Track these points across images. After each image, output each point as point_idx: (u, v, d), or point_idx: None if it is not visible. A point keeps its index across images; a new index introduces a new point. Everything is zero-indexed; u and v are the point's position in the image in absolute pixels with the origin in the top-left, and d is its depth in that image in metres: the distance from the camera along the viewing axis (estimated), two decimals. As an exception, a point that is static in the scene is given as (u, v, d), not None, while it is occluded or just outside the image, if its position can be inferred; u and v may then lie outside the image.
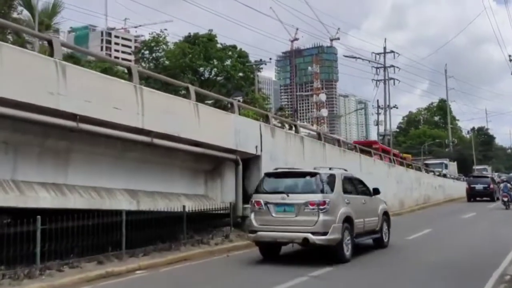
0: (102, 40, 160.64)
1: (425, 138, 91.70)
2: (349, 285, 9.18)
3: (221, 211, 13.90)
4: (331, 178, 11.90)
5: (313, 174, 11.77)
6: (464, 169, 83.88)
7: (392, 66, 69.06)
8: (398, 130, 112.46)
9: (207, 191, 14.20)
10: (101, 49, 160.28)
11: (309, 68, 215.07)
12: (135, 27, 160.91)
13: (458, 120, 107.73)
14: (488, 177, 39.79)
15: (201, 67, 52.30)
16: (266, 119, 16.78)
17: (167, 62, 54.21)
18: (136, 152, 11.63)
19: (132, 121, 10.82)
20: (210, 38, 53.44)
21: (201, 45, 52.13)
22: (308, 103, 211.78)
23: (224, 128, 13.97)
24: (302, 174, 12.18)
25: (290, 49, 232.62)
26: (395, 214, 24.42)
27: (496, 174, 67.13)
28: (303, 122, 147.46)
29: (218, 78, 55.70)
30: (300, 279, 9.07)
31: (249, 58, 56.31)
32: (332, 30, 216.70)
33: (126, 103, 10.69)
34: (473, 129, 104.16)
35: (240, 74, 56.63)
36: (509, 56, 47.03)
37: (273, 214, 11.01)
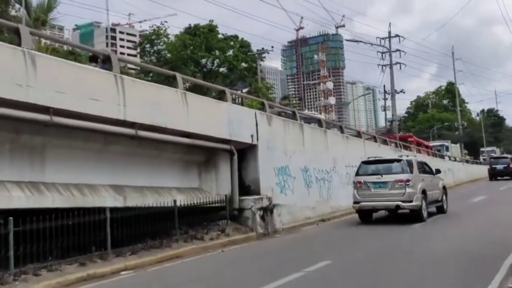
0: (107, 36, 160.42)
1: (434, 122, 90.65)
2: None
3: (216, 204, 13.25)
4: (410, 163, 16.24)
5: (398, 160, 16.34)
6: (475, 152, 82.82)
7: (398, 50, 67.85)
8: (406, 115, 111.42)
9: (201, 183, 13.55)
10: (106, 45, 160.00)
11: (315, 56, 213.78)
12: (140, 22, 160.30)
13: (467, 102, 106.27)
14: (507, 157, 43.19)
15: (203, 58, 51.55)
16: (262, 107, 16.08)
17: (168, 55, 53.63)
18: (121, 145, 10.99)
19: (113, 113, 10.17)
20: (211, 28, 52.61)
21: (202, 36, 51.36)
22: (315, 91, 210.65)
23: (216, 117, 13.29)
24: (390, 161, 16.71)
25: (295, 38, 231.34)
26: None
27: None
28: (311, 111, 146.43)
29: (221, 69, 54.98)
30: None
31: (251, 48, 55.53)
32: (337, 17, 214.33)
33: (106, 94, 10.04)
34: (482, 111, 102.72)
35: (244, 64, 55.86)
36: None
37: (372, 190, 15.55)
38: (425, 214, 15.45)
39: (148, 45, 55.78)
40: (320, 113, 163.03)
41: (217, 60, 53.23)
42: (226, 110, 13.66)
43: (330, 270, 8.86)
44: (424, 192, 15.55)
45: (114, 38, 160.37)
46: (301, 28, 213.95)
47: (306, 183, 17.32)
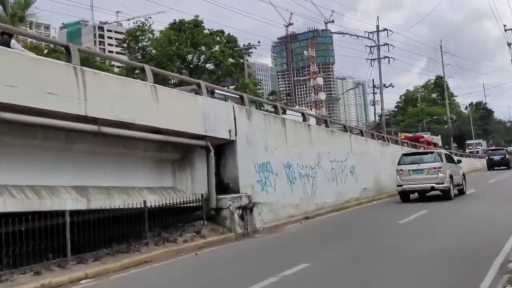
0: (94, 35, 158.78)
1: (423, 116, 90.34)
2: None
3: (192, 204, 12.51)
4: (440, 154, 21.31)
5: (431, 152, 22.07)
6: (463, 144, 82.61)
7: (386, 44, 67.61)
8: (396, 109, 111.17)
9: (176, 182, 12.80)
10: (94, 44, 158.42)
11: (305, 52, 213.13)
12: (128, 20, 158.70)
13: (456, 96, 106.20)
14: (503, 149, 49.94)
15: (188, 54, 50.72)
16: (241, 101, 15.36)
17: (154, 51, 52.70)
18: (85, 143, 10.21)
19: (72, 108, 9.39)
20: (197, 24, 51.78)
21: (187, 32, 50.52)
22: (305, 87, 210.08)
23: (190, 112, 12.54)
24: (425, 153, 22.55)
25: (285, 34, 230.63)
26: (390, 195, 23.19)
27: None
28: (302, 107, 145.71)
29: (207, 65, 54.18)
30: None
31: (238, 43, 54.72)
32: (327, 13, 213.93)
33: (63, 87, 9.25)
34: (471, 104, 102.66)
35: (231, 60, 55.06)
36: (504, 26, 45.47)
37: (411, 175, 20.01)
38: (452, 194, 19.94)
39: (133, 42, 54.86)
40: (311, 109, 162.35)
41: (203, 56, 52.45)
42: (201, 104, 12.91)
43: (308, 274, 8.17)
44: (451, 177, 20.05)
45: (102, 36, 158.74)
46: (291, 24, 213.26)
47: (289, 179, 16.62)
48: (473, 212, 15.92)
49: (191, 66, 53.94)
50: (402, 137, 63.19)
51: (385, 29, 66.64)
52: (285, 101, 74.92)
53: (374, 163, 24.01)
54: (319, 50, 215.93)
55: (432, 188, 19.65)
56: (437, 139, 60.48)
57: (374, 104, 74.80)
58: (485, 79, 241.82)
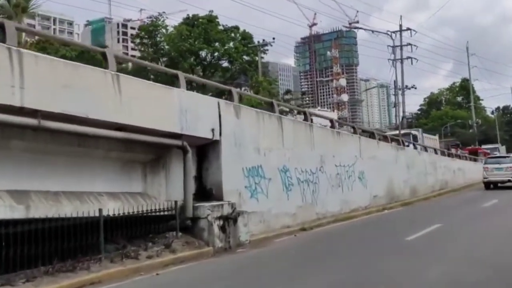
0: (118, 32, 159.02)
1: (447, 119, 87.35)
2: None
3: (164, 213, 10.87)
4: None
5: (508, 156, 31.31)
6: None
7: (409, 44, 65.26)
8: (419, 112, 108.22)
9: (146, 187, 11.16)
10: (118, 41, 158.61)
11: (328, 52, 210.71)
12: (150, 17, 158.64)
13: (482, 99, 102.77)
14: None
15: (200, 50, 49.20)
16: (229, 96, 13.66)
17: (167, 47, 51.36)
18: (25, 140, 8.64)
19: (5, 97, 7.83)
20: (211, 19, 50.25)
21: (200, 27, 49.05)
22: (328, 88, 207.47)
23: (163, 106, 10.90)
24: (504, 157, 31.82)
25: (309, 35, 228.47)
26: (404, 204, 21.28)
27: None
28: (324, 108, 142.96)
29: (220, 62, 52.64)
30: None
31: (253, 40, 53.01)
32: (352, 13, 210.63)
33: (-7, 72, 7.70)
34: (497, 108, 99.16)
35: (246, 57, 53.42)
36: None
37: (494, 172, 28.66)
38: None
39: (146, 37, 53.64)
40: (333, 110, 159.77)
41: (217, 52, 50.91)
42: (177, 97, 11.24)
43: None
44: None
45: (125, 33, 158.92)
46: (315, 24, 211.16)
47: (285, 185, 14.88)
48: (499, 225, 14.01)
49: (205, 62, 52.50)
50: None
51: (408, 29, 64.37)
52: (301, 101, 72.83)
53: (387, 168, 22.08)
54: (342, 51, 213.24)
55: (509, 181, 27.89)
56: (434, 139, 56.38)
57: (395, 106, 72.42)
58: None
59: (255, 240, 12.60)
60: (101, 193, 10.03)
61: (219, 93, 33.30)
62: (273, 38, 51.31)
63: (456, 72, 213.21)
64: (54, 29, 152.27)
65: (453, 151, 44.43)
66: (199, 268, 9.84)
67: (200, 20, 49.62)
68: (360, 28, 55.57)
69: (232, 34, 52.50)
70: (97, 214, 9.30)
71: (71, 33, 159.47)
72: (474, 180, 34.04)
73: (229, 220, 11.83)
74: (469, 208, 19.61)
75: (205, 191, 12.45)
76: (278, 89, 64.36)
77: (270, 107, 15.41)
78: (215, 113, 12.36)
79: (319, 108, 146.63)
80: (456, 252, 10.08)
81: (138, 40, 54.20)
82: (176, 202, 11.09)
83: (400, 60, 62.32)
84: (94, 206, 9.52)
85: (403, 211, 19.80)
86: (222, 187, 12.28)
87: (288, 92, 61.95)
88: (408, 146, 27.15)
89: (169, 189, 11.52)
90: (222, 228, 11.59)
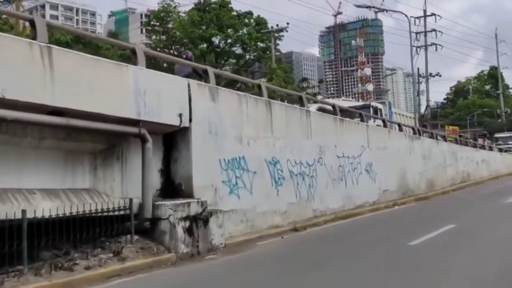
0: (141, 22, 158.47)
1: (474, 108, 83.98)
2: None
3: (116, 212, 9.19)
4: None
5: None
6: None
7: (434, 30, 62.47)
8: (445, 101, 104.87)
9: (96, 182, 9.46)
10: (141, 32, 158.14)
11: (353, 42, 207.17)
12: (174, 7, 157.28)
13: (511, 88, 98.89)
14: None
15: (212, 36, 47.43)
16: (204, 76, 11.85)
17: (178, 34, 49.75)
18: None
19: None
20: (223, 4, 48.44)
21: (212, 13, 47.27)
22: (353, 78, 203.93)
23: (114, 87, 9.17)
24: None
25: (333, 24, 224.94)
26: (418, 199, 19.25)
27: None
28: (349, 98, 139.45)
29: (234, 49, 50.83)
30: None
31: (268, 26, 51.00)
32: (377, 2, 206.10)
33: None
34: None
35: (261, 44, 51.53)
36: None
37: None
38: None
39: (158, 24, 52.20)
40: (358, 100, 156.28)
41: (229, 39, 49.12)
42: (132, 76, 9.49)
43: None
44: None
45: (149, 24, 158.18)
46: (340, 13, 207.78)
47: (274, 179, 13.05)
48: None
49: (218, 49, 50.76)
50: (448, 131, 58.01)
51: (432, 14, 61.51)
52: (317, 89, 70.51)
53: (399, 159, 20.04)
54: (368, 40, 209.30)
55: None
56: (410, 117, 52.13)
57: (418, 95, 69.71)
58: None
59: (233, 243, 10.86)
60: (33, 190, 8.36)
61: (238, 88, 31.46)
62: (287, 23, 48.82)
63: (487, 61, 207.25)
64: (77, 19, 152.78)
65: (479, 141, 41.82)
66: (147, 281, 8.13)
67: (212, 5, 47.83)
68: (372, 7, 51.75)
69: (246, 20, 50.65)
70: (21, 216, 7.66)
71: (93, 23, 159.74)
72: (499, 172, 31.65)
73: (198, 221, 10.09)
74: (490, 204, 17.51)
75: (173, 187, 10.74)
76: (294, 76, 62.19)
77: (258, 91, 13.55)
78: (184, 95, 10.59)
79: (343, 98, 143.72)
80: (464, 269, 8.10)
81: (149, 28, 52.71)
82: (131, 200, 9.39)
83: (424, 47, 59.83)
84: (21, 206, 7.87)
85: (416, 208, 17.78)
86: (192, 182, 10.54)
87: (304, 80, 59.79)
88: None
89: (125, 185, 9.82)
90: (189, 231, 9.85)
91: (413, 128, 23.37)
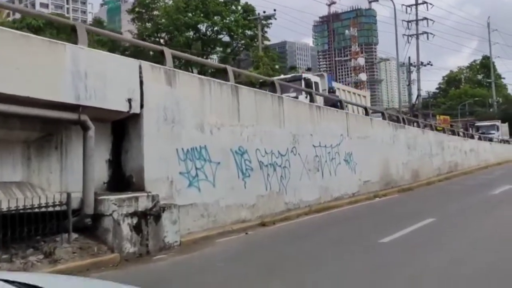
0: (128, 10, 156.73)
1: (466, 98, 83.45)
2: None
3: (51, 208, 8.20)
4: None
5: None
6: (511, 130, 75.75)
7: (425, 18, 61.65)
8: (437, 90, 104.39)
9: (30, 175, 8.46)
10: (133, 21, 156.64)
11: (346, 31, 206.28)
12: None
13: (503, 78, 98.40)
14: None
15: (197, 23, 46.26)
16: (162, 57, 10.82)
17: (163, 21, 48.53)
18: None
19: None
20: (210, -10, 47.21)
21: (197, -1, 46.08)
22: (347, 68, 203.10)
23: (47, 68, 8.15)
24: None
25: (327, 13, 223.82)
26: (401, 190, 18.41)
27: None
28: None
29: (220, 36, 49.69)
30: None
31: (256, 13, 49.85)
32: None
33: None
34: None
35: (249, 32, 50.45)
36: None
37: None
38: None
39: (143, 11, 50.93)
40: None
41: (216, 26, 47.96)
42: (70, 56, 8.45)
43: None
44: None
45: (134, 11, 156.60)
46: (333, 3, 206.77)
47: (241, 170, 12.10)
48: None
49: (204, 37, 49.60)
50: (439, 120, 57.10)
51: (424, 2, 60.60)
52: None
53: (382, 149, 19.14)
54: (362, 30, 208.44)
55: None
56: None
57: (409, 84, 68.99)
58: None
59: (190, 241, 9.93)
60: (-50, 183, 7.39)
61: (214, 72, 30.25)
62: (274, 10, 47.71)
63: (481, 51, 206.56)
64: (68, 8, 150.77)
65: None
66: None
67: (198, -9, 46.62)
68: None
69: (233, 7, 49.50)
70: None
71: (84, 12, 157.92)
72: (488, 162, 30.86)
73: (148, 217, 9.13)
74: (475, 196, 16.67)
75: (124, 180, 9.76)
76: (283, 65, 61.03)
77: (224, 74, 12.54)
78: (135, 79, 9.59)
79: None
80: (434, 271, 7.19)
81: (134, 15, 51.42)
82: (68, 194, 8.42)
83: (415, 36, 58.92)
84: None
85: (398, 199, 16.92)
86: (143, 175, 9.56)
87: (293, 68, 58.65)
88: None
89: (65, 177, 8.84)
90: (137, 228, 8.89)
91: (397, 117, 22.47)
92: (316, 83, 25.16)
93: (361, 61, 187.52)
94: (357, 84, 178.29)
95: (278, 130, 13.62)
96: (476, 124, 51.51)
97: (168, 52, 10.80)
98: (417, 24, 61.37)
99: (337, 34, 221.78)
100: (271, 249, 9.42)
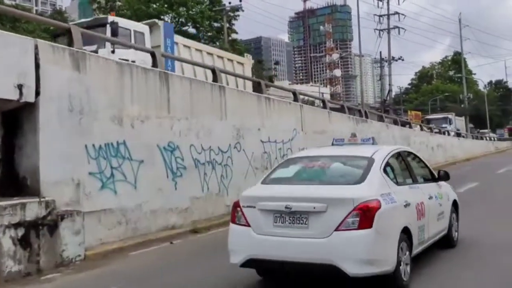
0: (107, 4, 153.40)
1: (437, 93, 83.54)
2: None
3: None
4: None
5: None
6: (481, 125, 75.89)
7: (396, 13, 61.16)
8: (409, 86, 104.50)
9: None
10: (103, 13, 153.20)
11: (321, 27, 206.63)
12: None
13: (474, 73, 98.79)
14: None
15: (159, 14, 44.34)
16: (68, 41, 9.20)
17: (126, 11, 46.45)
18: None
19: None
20: (173, -20, 45.33)
21: (161, -13, 44.17)
22: (322, 64, 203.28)
23: None
24: None
25: (303, 9, 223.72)
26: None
27: None
28: (317, 84, 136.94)
29: (185, 28, 47.83)
30: None
31: (224, 5, 48.19)
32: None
33: None
34: (490, 82, 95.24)
35: (216, 24, 48.79)
36: None
37: None
38: None
39: (104, 1, 48.82)
40: (326, 86, 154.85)
41: (180, 17, 46.13)
42: None
43: None
44: None
45: (113, 8, 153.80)
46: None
47: (171, 169, 10.58)
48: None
49: (170, 29, 47.68)
50: (411, 116, 56.42)
51: (395, -5, 60.02)
52: (273, 72, 68.15)
53: (342, 145, 17.78)
54: (337, 26, 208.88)
55: None
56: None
57: (380, 79, 68.39)
58: (509, 59, 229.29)
59: (99, 254, 8.41)
60: None
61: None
62: (240, 0, 46.20)
63: (454, 47, 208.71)
64: (36, 1, 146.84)
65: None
66: None
67: (161, -20, 44.74)
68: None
69: (199, -2, 47.72)
70: None
71: (53, 4, 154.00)
72: (456, 157, 29.92)
73: (41, 228, 7.56)
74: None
75: (17, 182, 8.15)
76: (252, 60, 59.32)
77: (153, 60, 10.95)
78: (28, 61, 7.96)
79: (311, 83, 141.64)
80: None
81: (95, 5, 49.23)
82: None
83: (387, 30, 58.11)
84: None
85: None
86: (38, 176, 7.96)
87: (259, 62, 57.09)
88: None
89: None
90: (23, 242, 7.30)
91: (359, 111, 21.19)
92: (138, 33, 17.98)
93: (335, 57, 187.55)
94: (332, 80, 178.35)
95: (219, 124, 12.13)
96: (426, 117, 47.88)
97: (76, 31, 9.17)
98: (388, 19, 60.62)
99: (313, 30, 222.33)
100: (188, 266, 7.90)
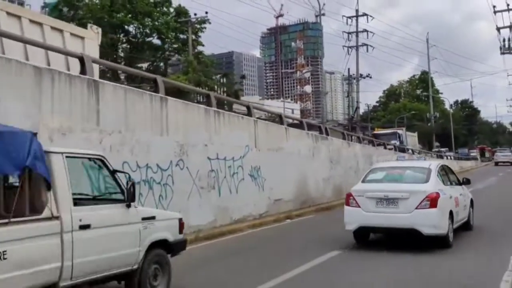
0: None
1: (405, 111, 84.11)
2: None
3: None
4: None
5: None
6: (447, 144, 76.38)
7: (365, 30, 61.28)
8: (377, 104, 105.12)
9: None
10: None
11: (293, 44, 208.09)
12: None
13: (441, 93, 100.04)
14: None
15: (122, 23, 43.15)
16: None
17: (88, 20, 45.07)
18: None
19: None
20: (138, -11, 44.21)
21: (125, -3, 42.99)
22: (293, 80, 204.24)
23: None
24: None
25: (275, 26, 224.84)
26: (320, 209, 16.27)
27: None
28: (287, 100, 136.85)
29: (150, 39, 46.74)
30: None
31: (190, 16, 47.26)
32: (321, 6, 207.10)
33: None
34: (456, 102, 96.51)
35: (182, 36, 47.79)
36: (497, 26, 37.18)
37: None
38: None
39: (67, 9, 47.25)
40: (296, 102, 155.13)
41: (145, 28, 45.02)
42: None
43: None
44: None
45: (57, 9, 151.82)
46: (281, 15, 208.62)
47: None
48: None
49: (134, 40, 46.47)
50: (374, 132, 55.82)
51: (364, 14, 60.12)
52: (240, 86, 67.31)
53: (299, 163, 16.93)
54: (308, 43, 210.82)
55: None
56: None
57: (348, 96, 68.32)
58: (475, 80, 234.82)
59: None
60: None
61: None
62: (206, 12, 45.55)
63: (422, 66, 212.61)
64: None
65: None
66: None
67: (125, -11, 43.56)
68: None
69: (165, 9, 46.75)
70: None
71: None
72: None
73: None
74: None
75: None
76: (220, 72, 58.44)
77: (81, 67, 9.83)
78: None
79: (281, 99, 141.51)
80: None
81: (56, 13, 47.55)
82: None
83: (355, 47, 58.06)
84: None
85: (311, 222, 14.70)
86: None
87: (225, 75, 56.15)
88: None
89: None
90: None
91: (319, 127, 20.38)
92: None
93: (306, 73, 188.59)
94: (302, 96, 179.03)
95: (159, 139, 11.04)
96: (374, 133, 43.23)
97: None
98: (357, 36, 60.69)
99: (285, 46, 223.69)
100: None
